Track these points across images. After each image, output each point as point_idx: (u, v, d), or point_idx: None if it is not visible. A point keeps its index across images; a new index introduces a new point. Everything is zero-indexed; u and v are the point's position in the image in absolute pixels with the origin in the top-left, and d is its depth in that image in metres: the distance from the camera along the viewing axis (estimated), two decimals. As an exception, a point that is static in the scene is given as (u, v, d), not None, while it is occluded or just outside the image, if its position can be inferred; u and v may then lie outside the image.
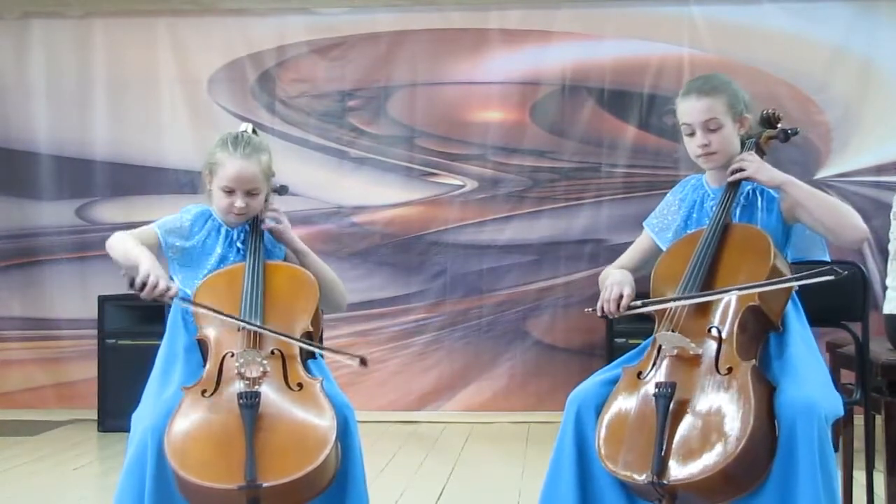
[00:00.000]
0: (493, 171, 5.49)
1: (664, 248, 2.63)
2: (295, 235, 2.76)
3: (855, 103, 5.25)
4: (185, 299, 2.50)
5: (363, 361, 2.46)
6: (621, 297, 2.43)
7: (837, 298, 2.74)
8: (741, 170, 2.49)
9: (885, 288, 3.38)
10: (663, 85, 5.35)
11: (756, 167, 2.48)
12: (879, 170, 5.23)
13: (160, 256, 2.58)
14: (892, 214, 3.36)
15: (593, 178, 5.44)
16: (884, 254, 3.49)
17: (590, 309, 2.47)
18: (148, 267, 2.43)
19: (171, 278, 2.60)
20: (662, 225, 2.68)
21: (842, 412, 2.30)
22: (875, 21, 5.25)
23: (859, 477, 2.96)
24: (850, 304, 2.77)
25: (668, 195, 2.74)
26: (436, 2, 5.53)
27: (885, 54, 5.23)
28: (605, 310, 2.44)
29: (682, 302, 2.35)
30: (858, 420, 2.82)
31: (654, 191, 5.22)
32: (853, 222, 2.42)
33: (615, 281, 2.48)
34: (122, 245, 2.56)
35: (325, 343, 2.89)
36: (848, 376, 3.05)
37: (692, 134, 2.55)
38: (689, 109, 2.54)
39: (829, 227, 2.43)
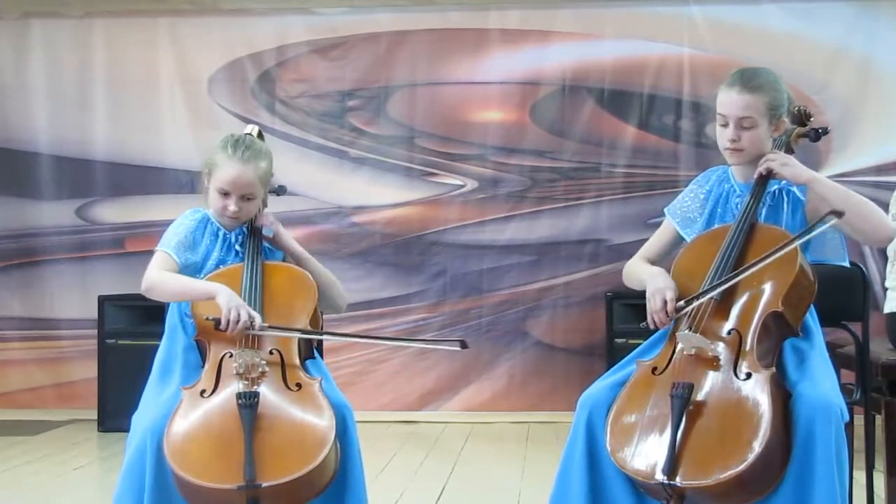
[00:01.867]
0: (493, 171, 5.49)
1: (688, 241, 2.58)
2: (292, 240, 2.73)
3: (855, 103, 5.25)
4: (273, 326, 2.45)
5: (464, 345, 2.50)
6: (665, 303, 2.36)
7: (837, 298, 2.74)
8: (768, 168, 2.45)
9: (885, 288, 3.38)
10: (663, 85, 5.35)
11: (781, 162, 2.43)
12: (879, 170, 5.23)
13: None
14: (889, 216, 3.35)
15: (593, 178, 5.43)
16: (883, 254, 3.48)
17: (643, 323, 2.41)
18: (227, 299, 2.41)
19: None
20: (687, 216, 2.62)
21: (848, 417, 2.29)
22: (875, 21, 5.25)
23: (859, 477, 2.95)
24: (850, 304, 2.77)
25: (691, 184, 2.68)
26: (436, 2, 5.53)
27: (885, 54, 5.23)
28: (657, 321, 2.37)
29: (716, 292, 2.30)
30: (858, 420, 2.81)
31: (654, 191, 5.22)
32: (881, 220, 2.38)
33: (655, 289, 2.39)
34: (176, 284, 2.52)
35: (325, 343, 2.87)
36: (848, 376, 3.05)
37: (725, 125, 2.49)
38: (728, 101, 2.48)
39: (857, 225, 2.38)
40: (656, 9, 5.39)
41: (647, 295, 2.40)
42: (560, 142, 5.46)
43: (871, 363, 2.82)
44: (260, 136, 2.79)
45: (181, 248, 2.59)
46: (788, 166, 2.43)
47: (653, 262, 2.61)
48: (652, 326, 2.39)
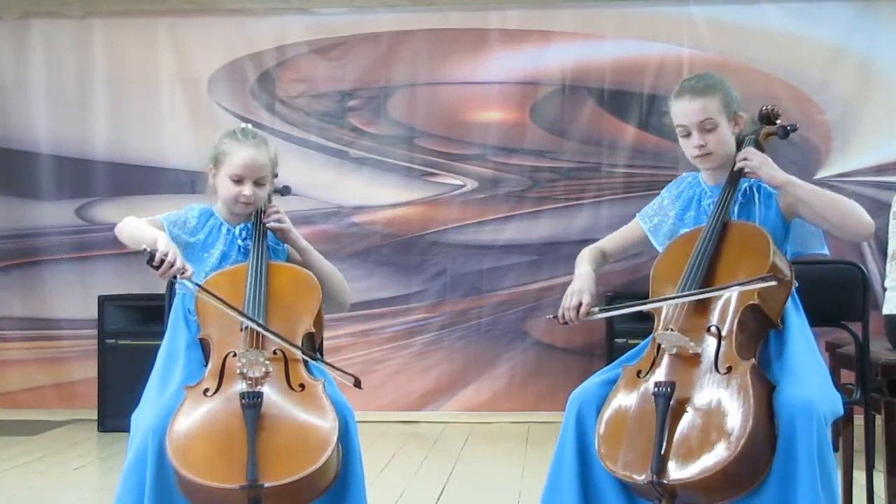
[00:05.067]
0: (493, 171, 5.50)
1: (659, 247, 2.63)
2: (298, 233, 2.77)
3: (855, 103, 5.25)
4: (197, 284, 2.48)
5: (357, 383, 2.43)
6: (580, 305, 2.50)
7: (837, 298, 2.75)
8: (746, 167, 2.47)
9: (885, 288, 3.38)
10: (663, 85, 5.34)
11: (759, 162, 2.46)
12: (879, 170, 5.23)
13: None
14: (891, 214, 3.36)
15: (593, 178, 5.44)
16: (884, 254, 3.48)
17: (550, 315, 2.56)
18: (166, 243, 2.42)
19: None
20: (657, 222, 2.67)
21: (841, 411, 2.31)
22: (875, 21, 5.26)
23: (859, 477, 2.97)
24: (850, 304, 2.78)
25: (663, 191, 2.73)
26: (436, 2, 5.53)
27: (885, 54, 5.24)
28: (566, 317, 2.52)
29: (645, 307, 2.38)
30: (858, 420, 2.82)
31: (654, 191, 5.11)
32: (859, 217, 2.41)
33: (575, 289, 2.54)
34: (135, 225, 2.58)
35: (325, 344, 2.88)
36: (848, 376, 3.06)
37: (688, 135, 2.54)
38: (683, 110, 2.54)
39: (835, 223, 2.42)
40: (656, 9, 5.39)
41: (567, 291, 2.55)
42: (560, 142, 5.46)
43: (871, 363, 2.82)
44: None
45: (173, 223, 2.65)
46: (765, 168, 2.46)
47: (609, 255, 2.75)
48: (561, 321, 2.53)
